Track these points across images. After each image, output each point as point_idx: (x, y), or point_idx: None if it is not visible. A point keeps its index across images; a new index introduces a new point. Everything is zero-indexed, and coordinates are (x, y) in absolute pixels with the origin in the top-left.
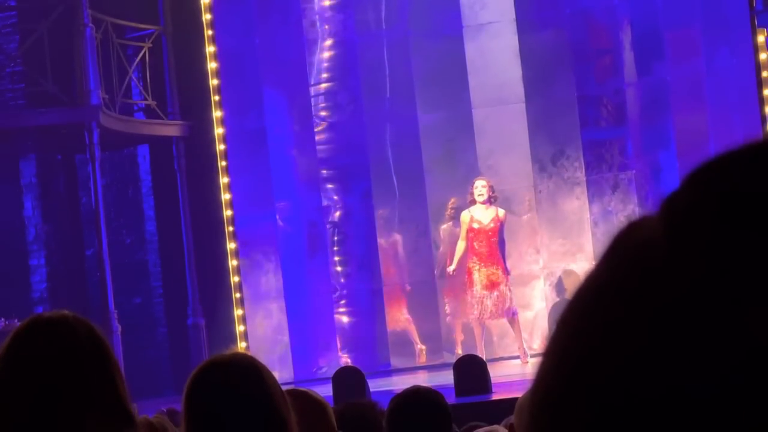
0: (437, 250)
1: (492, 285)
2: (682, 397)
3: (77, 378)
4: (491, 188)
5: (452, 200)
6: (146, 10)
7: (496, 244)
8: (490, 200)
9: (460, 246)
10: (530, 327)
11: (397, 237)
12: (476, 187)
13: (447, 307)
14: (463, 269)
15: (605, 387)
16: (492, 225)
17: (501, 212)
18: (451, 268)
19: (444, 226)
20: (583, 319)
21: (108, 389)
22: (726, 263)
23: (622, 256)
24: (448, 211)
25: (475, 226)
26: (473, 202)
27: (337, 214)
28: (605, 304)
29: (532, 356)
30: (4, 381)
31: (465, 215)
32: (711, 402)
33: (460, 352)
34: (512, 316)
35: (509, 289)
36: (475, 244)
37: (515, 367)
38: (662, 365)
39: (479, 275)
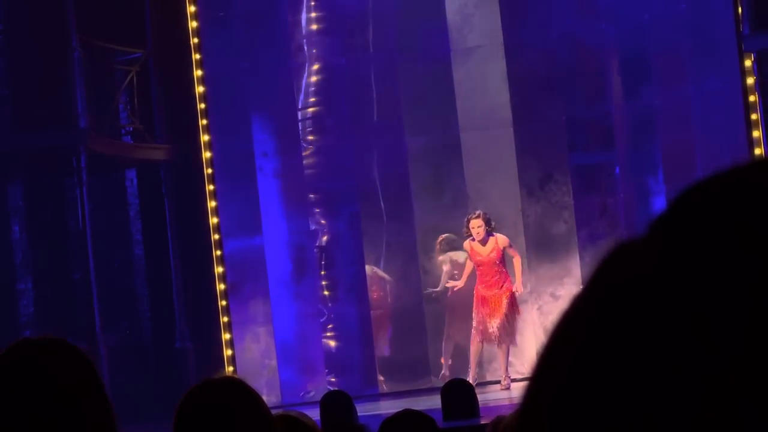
0: (425, 275)
1: (495, 311)
2: (656, 427)
3: (63, 403)
4: (487, 222)
5: (441, 237)
6: (134, 34)
7: (499, 271)
8: (488, 234)
9: (469, 265)
10: (518, 351)
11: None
12: (472, 228)
13: (448, 328)
14: (471, 292)
15: (586, 414)
16: (493, 254)
17: (501, 239)
18: (458, 283)
19: (441, 257)
20: (566, 344)
21: (95, 414)
22: (714, 287)
23: (609, 282)
24: (438, 247)
25: (478, 258)
26: (470, 236)
27: (325, 238)
28: (589, 330)
29: (520, 380)
30: None
31: (466, 245)
32: None
33: (447, 373)
34: (511, 342)
35: (515, 316)
36: (479, 272)
37: (503, 391)
38: (644, 395)
39: (483, 301)
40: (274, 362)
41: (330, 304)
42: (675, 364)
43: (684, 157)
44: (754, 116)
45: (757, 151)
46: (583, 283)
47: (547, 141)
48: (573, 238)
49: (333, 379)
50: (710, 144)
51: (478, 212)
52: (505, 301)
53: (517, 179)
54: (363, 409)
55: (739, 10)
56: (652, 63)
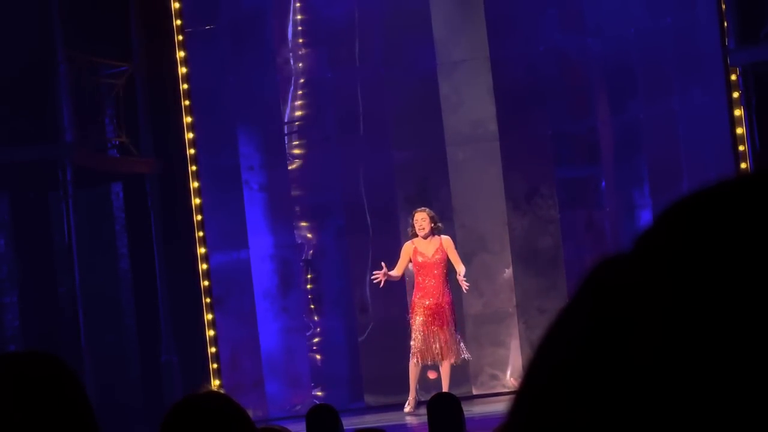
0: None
1: (441, 322)
2: None
3: (48, 418)
4: (432, 219)
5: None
6: (120, 48)
7: (443, 277)
8: (433, 232)
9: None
10: (504, 364)
11: None
12: (416, 221)
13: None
14: (406, 306)
15: (570, 428)
16: (438, 256)
17: (445, 240)
18: (393, 273)
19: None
20: (552, 357)
21: (79, 429)
22: (699, 301)
23: (594, 296)
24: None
25: (420, 259)
26: (415, 235)
27: (311, 251)
28: (574, 344)
29: (506, 394)
30: None
31: (408, 246)
32: None
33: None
34: (459, 357)
35: (456, 328)
36: (419, 278)
37: (489, 405)
38: (626, 407)
39: (425, 313)
40: (260, 376)
41: (316, 318)
42: (658, 377)
43: (670, 171)
44: (739, 130)
45: (743, 165)
46: (568, 297)
47: (532, 155)
48: (559, 251)
49: (319, 393)
50: (696, 158)
51: (423, 207)
52: (449, 313)
53: (503, 193)
54: (349, 423)
55: (725, 24)
56: (637, 77)
